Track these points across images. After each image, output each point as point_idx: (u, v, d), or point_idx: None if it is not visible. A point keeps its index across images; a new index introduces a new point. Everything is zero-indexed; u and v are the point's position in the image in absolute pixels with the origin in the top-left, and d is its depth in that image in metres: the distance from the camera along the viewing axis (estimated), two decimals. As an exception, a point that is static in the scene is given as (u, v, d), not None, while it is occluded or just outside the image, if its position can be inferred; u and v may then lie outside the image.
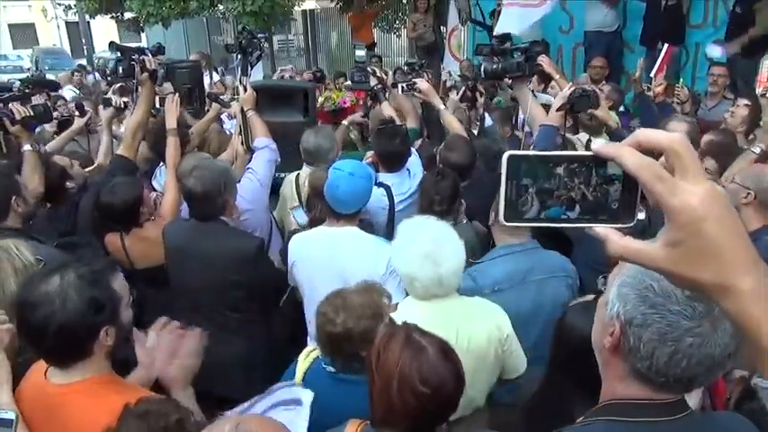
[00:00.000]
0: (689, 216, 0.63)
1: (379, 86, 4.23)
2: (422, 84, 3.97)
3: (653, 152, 0.67)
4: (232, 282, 2.69)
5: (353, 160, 2.94)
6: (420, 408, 1.47)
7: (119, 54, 3.61)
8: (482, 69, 3.31)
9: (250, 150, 3.55)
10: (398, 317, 2.11)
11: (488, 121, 4.24)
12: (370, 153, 3.44)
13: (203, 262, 2.69)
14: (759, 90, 4.06)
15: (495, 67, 3.23)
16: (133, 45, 4.51)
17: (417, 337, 1.54)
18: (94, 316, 1.55)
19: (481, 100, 4.90)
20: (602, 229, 0.71)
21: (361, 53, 5.10)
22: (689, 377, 1.00)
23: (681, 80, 5.48)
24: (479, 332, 2.15)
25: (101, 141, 4.25)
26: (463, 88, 4.71)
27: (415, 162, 3.44)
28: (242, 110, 3.67)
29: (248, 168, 3.32)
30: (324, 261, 2.58)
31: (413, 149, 3.51)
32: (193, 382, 1.90)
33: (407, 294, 2.29)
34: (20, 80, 8.21)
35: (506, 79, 3.35)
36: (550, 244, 2.70)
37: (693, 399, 1.36)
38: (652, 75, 4.58)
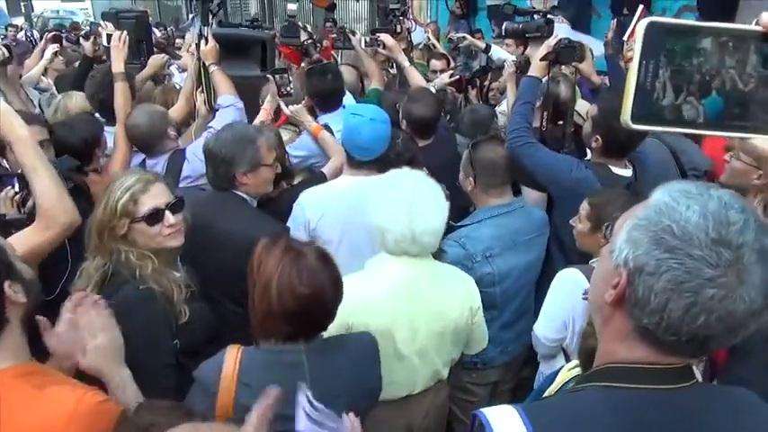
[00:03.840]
0: None
1: (309, 41, 4.01)
2: (386, 39, 3.83)
3: None
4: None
5: (371, 105, 2.79)
6: (298, 311, 1.48)
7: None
8: (503, 28, 3.39)
9: (213, 110, 3.19)
10: (369, 271, 1.99)
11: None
12: (303, 101, 3.24)
13: (216, 243, 2.23)
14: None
15: (515, 26, 3.28)
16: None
17: (297, 245, 1.57)
18: None
19: (473, 92, 4.70)
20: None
21: (292, 7, 4.82)
22: (705, 336, 0.83)
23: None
24: (450, 298, 2.02)
25: None
26: (458, 76, 4.47)
27: (351, 101, 3.36)
28: (203, 65, 3.26)
29: (209, 127, 2.97)
30: (354, 212, 2.29)
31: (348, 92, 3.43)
32: None
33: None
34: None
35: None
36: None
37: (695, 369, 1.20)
38: (625, 39, 4.44)
